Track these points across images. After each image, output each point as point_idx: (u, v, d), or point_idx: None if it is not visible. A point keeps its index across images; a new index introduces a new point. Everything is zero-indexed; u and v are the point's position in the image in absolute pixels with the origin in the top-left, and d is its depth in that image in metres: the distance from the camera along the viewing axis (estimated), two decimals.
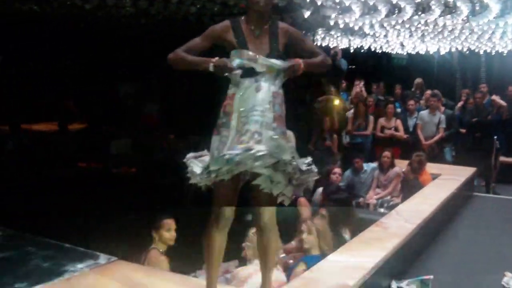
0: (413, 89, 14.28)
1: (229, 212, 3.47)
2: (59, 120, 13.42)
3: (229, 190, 3.41)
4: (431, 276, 5.14)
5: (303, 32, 11.55)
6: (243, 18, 3.53)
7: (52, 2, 9.36)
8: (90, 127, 13.52)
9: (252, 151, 3.20)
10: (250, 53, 3.37)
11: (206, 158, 3.41)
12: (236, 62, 3.36)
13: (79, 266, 4.44)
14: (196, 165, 3.39)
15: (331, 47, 16.11)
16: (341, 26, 11.79)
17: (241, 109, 3.33)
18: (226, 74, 3.35)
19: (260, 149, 3.21)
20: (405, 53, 19.39)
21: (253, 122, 3.29)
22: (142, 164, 11.70)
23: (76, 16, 10.86)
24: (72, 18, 11.26)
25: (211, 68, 3.33)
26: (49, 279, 4.15)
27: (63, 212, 8.49)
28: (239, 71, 3.35)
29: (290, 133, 8.41)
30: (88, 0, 9.07)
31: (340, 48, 15.30)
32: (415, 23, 11.89)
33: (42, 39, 13.01)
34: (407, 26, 12.48)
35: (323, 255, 5.30)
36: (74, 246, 4.92)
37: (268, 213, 3.51)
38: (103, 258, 4.64)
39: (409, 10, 10.52)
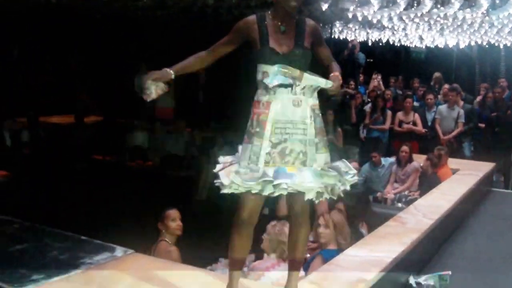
0: (431, 83, 14.18)
1: (254, 214, 3.45)
2: (75, 112, 13.44)
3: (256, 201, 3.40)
4: (449, 272, 5.08)
5: (321, 25, 11.52)
6: (269, 12, 3.46)
7: None
8: (106, 120, 13.55)
9: (307, 185, 3.24)
10: (297, 71, 3.27)
11: (235, 168, 3.34)
12: (277, 79, 3.28)
13: (96, 258, 4.42)
14: (228, 177, 3.30)
15: (349, 40, 16.06)
16: (360, 19, 11.74)
17: (277, 121, 3.29)
18: None
19: (310, 182, 3.24)
20: (424, 47, 19.29)
21: (297, 142, 3.29)
22: (157, 157, 11.73)
23: (92, 8, 10.89)
24: (89, 10, 11.30)
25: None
26: (65, 271, 4.13)
27: (79, 205, 8.55)
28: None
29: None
30: None
31: (358, 41, 15.22)
32: (434, 16, 11.82)
33: (58, 32, 13.07)
34: (426, 19, 12.42)
35: (340, 249, 5.27)
36: (90, 238, 4.90)
37: (301, 206, 3.45)
38: (119, 250, 4.62)
39: (428, 3, 10.46)
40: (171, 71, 3.43)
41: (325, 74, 3.44)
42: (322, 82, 3.31)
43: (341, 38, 16.74)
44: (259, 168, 3.23)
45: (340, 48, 15.29)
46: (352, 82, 12.85)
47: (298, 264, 3.68)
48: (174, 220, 5.64)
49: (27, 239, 4.91)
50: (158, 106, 13.76)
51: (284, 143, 3.27)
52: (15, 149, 11.36)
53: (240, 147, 3.42)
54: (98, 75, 14.46)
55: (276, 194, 3.22)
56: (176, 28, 11.25)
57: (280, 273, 4.76)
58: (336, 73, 3.39)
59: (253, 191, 3.23)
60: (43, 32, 13.03)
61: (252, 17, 3.44)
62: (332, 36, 14.22)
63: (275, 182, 3.17)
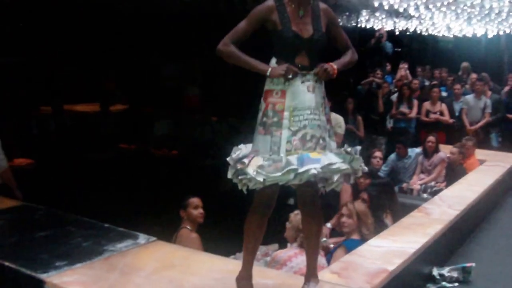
0: (459, 73, 14.07)
1: (271, 200, 3.44)
2: (101, 101, 13.53)
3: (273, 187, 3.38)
4: (473, 264, 5.08)
5: (347, 13, 11.46)
6: None
7: None
8: (132, 109, 13.62)
9: (335, 166, 3.24)
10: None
11: (258, 162, 3.29)
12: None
13: (119, 246, 4.47)
14: (253, 169, 3.26)
15: (376, 29, 15.96)
16: (386, 7, 11.67)
17: (294, 108, 3.28)
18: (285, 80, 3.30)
19: (342, 164, 3.27)
20: (451, 36, 19.11)
21: (316, 127, 3.28)
22: (183, 145, 11.75)
23: None
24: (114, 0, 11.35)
25: (268, 74, 3.30)
26: (88, 258, 4.18)
27: (104, 193, 8.62)
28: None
29: (340, 119, 8.32)
30: None
31: (385, 30, 15.11)
32: (461, 5, 11.71)
33: (84, 21, 13.12)
34: (452, 8, 12.29)
35: (363, 240, 5.25)
36: (113, 226, 4.95)
37: (311, 196, 3.44)
38: (142, 238, 4.67)
39: None
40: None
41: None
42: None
43: (368, 27, 16.68)
44: (281, 158, 3.21)
45: (366, 37, 15.24)
46: (379, 72, 12.76)
47: (314, 256, 3.67)
48: (196, 208, 5.70)
49: (51, 226, 4.99)
50: (185, 95, 13.80)
51: (303, 129, 3.26)
52: (41, 138, 11.47)
53: (255, 139, 3.38)
54: (124, 63, 14.51)
55: (304, 180, 3.20)
56: (203, 17, 11.26)
57: (302, 262, 4.74)
58: (331, 64, 3.40)
59: (281, 183, 3.23)
60: (69, 21, 13.10)
61: (270, 2, 3.40)
62: (359, 25, 14.11)
63: (301, 170, 3.15)
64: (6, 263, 4.06)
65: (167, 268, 4.10)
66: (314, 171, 3.15)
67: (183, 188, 6.16)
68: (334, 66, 3.40)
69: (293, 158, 3.20)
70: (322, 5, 3.52)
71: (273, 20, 3.37)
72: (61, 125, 11.91)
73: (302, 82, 3.31)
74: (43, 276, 3.84)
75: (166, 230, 5.65)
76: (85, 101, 14.15)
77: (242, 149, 3.41)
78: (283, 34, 3.34)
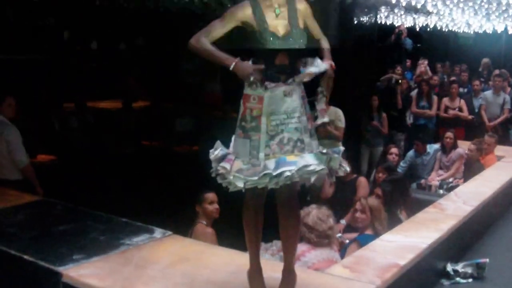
0: (480, 69, 14.01)
1: (261, 193, 3.44)
2: (123, 98, 13.62)
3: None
4: (487, 260, 5.06)
5: (365, 10, 11.46)
6: None
7: None
8: (153, 105, 13.72)
9: (311, 168, 3.23)
10: (324, 64, 3.40)
11: (237, 165, 3.33)
12: (313, 70, 3.37)
13: (135, 239, 4.57)
14: (233, 174, 3.30)
15: (396, 25, 15.93)
16: (403, 4, 11.64)
17: (271, 113, 3.30)
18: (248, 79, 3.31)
19: (317, 166, 3.25)
20: (472, 32, 18.98)
21: (293, 130, 3.30)
22: (204, 141, 11.82)
23: None
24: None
25: (231, 68, 3.28)
26: (105, 251, 4.29)
27: (126, 188, 8.73)
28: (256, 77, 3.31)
29: (339, 112, 8.36)
30: None
31: (405, 26, 15.07)
32: (478, 1, 11.63)
33: (107, 20, 13.28)
34: (470, 4, 12.22)
35: (376, 235, 5.27)
36: (131, 220, 5.05)
37: (290, 192, 3.41)
38: (158, 232, 4.77)
39: None
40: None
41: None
42: (322, 67, 3.42)
43: (387, 23, 16.65)
44: (260, 162, 3.25)
45: (386, 33, 15.22)
46: (398, 68, 12.74)
47: (291, 254, 3.62)
48: (211, 203, 5.75)
49: (70, 220, 5.11)
50: (206, 91, 13.88)
51: (281, 133, 3.28)
52: (63, 134, 11.60)
53: (234, 140, 3.41)
54: (145, 61, 14.65)
55: (281, 184, 3.22)
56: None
57: (315, 257, 4.81)
58: (329, 60, 3.47)
59: (259, 186, 3.25)
60: (92, 20, 13.27)
61: (245, 2, 3.39)
62: (378, 22, 14.10)
63: (275, 173, 3.18)
64: (26, 256, 4.17)
65: (182, 261, 4.17)
66: (288, 173, 3.17)
67: (202, 184, 6.23)
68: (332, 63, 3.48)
69: (270, 162, 3.23)
70: (300, 0, 3.51)
71: (249, 21, 3.36)
72: (83, 122, 12.02)
73: (279, 86, 3.31)
74: (60, 269, 3.95)
75: (183, 225, 5.72)
76: (108, 98, 14.31)
77: (222, 151, 3.43)
78: (261, 35, 3.32)
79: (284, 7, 3.41)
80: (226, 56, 3.34)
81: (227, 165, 3.30)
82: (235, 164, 3.30)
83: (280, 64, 3.34)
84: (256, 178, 3.22)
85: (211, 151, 3.46)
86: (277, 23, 3.36)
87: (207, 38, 3.38)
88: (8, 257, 4.29)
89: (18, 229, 4.92)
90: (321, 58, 3.53)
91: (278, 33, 3.34)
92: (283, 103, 3.31)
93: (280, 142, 3.28)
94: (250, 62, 3.33)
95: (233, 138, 3.44)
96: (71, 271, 3.93)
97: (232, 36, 3.45)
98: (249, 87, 3.35)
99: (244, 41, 3.40)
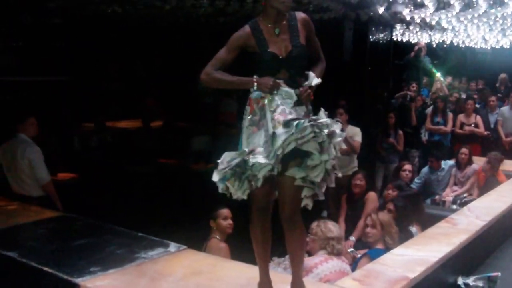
0: (497, 84, 14.01)
1: (266, 203, 3.54)
2: (142, 117, 13.82)
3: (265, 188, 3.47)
4: (499, 274, 5.07)
5: (381, 28, 11.55)
6: (260, 17, 3.55)
7: (134, 4, 9.73)
8: (171, 125, 13.87)
9: (322, 120, 3.31)
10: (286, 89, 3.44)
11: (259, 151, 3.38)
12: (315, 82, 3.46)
13: (150, 253, 4.67)
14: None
15: (412, 42, 16.00)
16: (418, 21, 11.72)
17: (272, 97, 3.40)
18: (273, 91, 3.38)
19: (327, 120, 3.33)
20: (489, 48, 18.93)
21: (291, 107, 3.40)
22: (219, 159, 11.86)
23: (156, 16, 11.24)
24: (153, 19, 11.67)
25: (255, 87, 3.40)
26: (121, 264, 4.39)
27: (143, 205, 8.86)
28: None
29: (357, 130, 8.58)
30: (167, 1, 9.37)
31: (424, 44, 15.12)
32: (492, 17, 11.65)
33: (125, 40, 13.50)
34: (484, 20, 12.24)
35: (387, 249, 5.32)
36: (146, 235, 5.15)
37: (292, 207, 3.47)
38: (173, 246, 4.86)
39: (482, 4, 10.36)
40: None
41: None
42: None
43: (404, 40, 16.70)
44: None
45: (402, 50, 15.30)
46: (414, 85, 12.80)
47: (298, 268, 3.68)
48: (225, 218, 5.88)
49: (88, 235, 5.22)
50: (222, 110, 14.02)
51: (281, 106, 3.37)
52: (84, 153, 11.80)
53: (252, 137, 3.44)
54: (164, 81, 14.84)
55: (306, 136, 3.24)
56: None
57: (328, 269, 4.93)
58: (305, 87, 3.46)
59: (278, 152, 3.28)
60: (111, 40, 13.50)
61: (246, 27, 3.50)
62: (394, 39, 14.17)
63: (294, 127, 3.24)
64: (46, 268, 4.29)
65: (195, 274, 4.26)
66: (305, 123, 3.24)
67: (217, 200, 6.33)
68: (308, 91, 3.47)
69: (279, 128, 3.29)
70: (300, 15, 3.58)
71: (251, 45, 3.46)
72: (102, 141, 12.20)
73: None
74: (78, 280, 4.06)
75: (198, 240, 5.83)
76: (127, 118, 14.55)
77: (231, 155, 3.44)
78: (261, 57, 3.44)
79: (285, 25, 3.49)
80: (243, 78, 3.45)
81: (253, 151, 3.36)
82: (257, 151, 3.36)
83: (282, 80, 3.43)
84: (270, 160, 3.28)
85: (223, 161, 3.45)
86: (277, 42, 3.46)
87: (214, 69, 3.48)
88: (30, 269, 4.40)
89: (39, 242, 5.08)
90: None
91: (278, 52, 3.44)
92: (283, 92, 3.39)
93: (282, 111, 3.33)
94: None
95: (248, 141, 3.47)
96: (88, 283, 4.03)
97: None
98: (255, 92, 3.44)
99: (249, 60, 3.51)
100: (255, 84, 3.38)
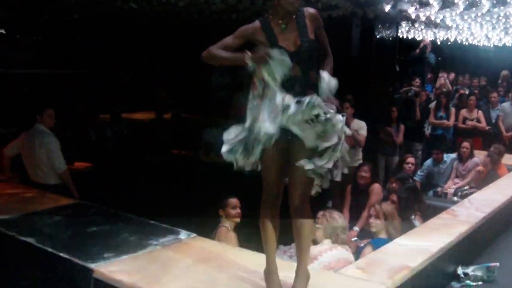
0: (499, 81, 14.11)
1: (277, 190, 3.62)
2: (156, 109, 13.96)
3: (275, 164, 3.57)
4: (497, 264, 5.15)
5: (386, 25, 11.67)
6: (269, 14, 3.61)
7: (150, 1, 9.85)
8: (183, 116, 14.00)
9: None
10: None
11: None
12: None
13: (162, 240, 4.80)
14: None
15: (417, 39, 16.09)
16: (423, 19, 11.81)
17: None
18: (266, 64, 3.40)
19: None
20: (491, 45, 19.00)
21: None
22: None
23: (170, 13, 11.35)
24: (167, 15, 11.78)
25: (247, 60, 3.42)
26: (134, 251, 4.53)
27: (155, 194, 8.96)
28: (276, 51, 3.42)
29: (362, 123, 8.71)
30: None
31: (429, 41, 15.22)
32: (495, 16, 11.75)
33: (140, 35, 13.64)
34: (487, 18, 12.32)
35: (390, 239, 5.43)
36: (158, 223, 5.30)
37: (301, 197, 3.54)
38: (183, 234, 4.99)
39: (486, 3, 10.45)
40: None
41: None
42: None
43: (409, 37, 16.77)
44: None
45: (407, 47, 15.41)
46: (417, 80, 12.90)
47: (305, 255, 3.72)
48: (234, 207, 5.96)
49: (102, 222, 5.36)
50: (234, 104, 14.13)
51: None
52: (99, 143, 11.93)
53: (261, 108, 3.45)
54: (177, 75, 14.98)
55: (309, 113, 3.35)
56: None
57: (332, 257, 5.02)
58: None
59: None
60: (126, 36, 13.64)
61: (257, 22, 3.58)
62: (399, 36, 14.28)
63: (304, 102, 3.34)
64: (61, 254, 4.44)
65: (204, 261, 4.36)
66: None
67: (226, 190, 6.44)
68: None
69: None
70: (309, 11, 3.64)
71: (260, 40, 3.55)
72: (117, 132, 12.36)
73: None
74: (92, 266, 4.21)
75: (207, 228, 5.93)
76: (141, 110, 14.71)
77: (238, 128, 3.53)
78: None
79: (293, 21, 3.57)
80: (236, 53, 3.52)
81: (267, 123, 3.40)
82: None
83: (294, 76, 3.47)
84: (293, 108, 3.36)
85: (230, 132, 3.55)
86: (286, 37, 3.54)
87: (216, 47, 3.57)
88: (46, 254, 4.55)
89: (55, 229, 5.19)
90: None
91: (287, 47, 3.51)
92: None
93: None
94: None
95: (255, 114, 3.48)
96: (101, 268, 4.18)
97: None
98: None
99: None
100: (247, 57, 3.42)
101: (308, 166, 3.42)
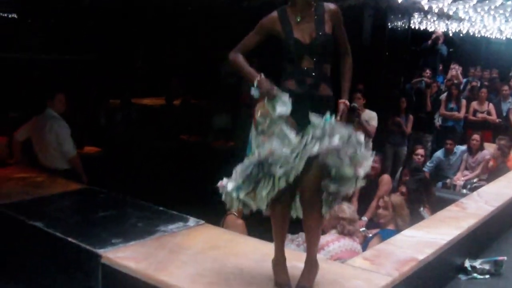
0: (511, 74, 14.05)
1: (291, 189, 3.59)
2: (166, 95, 13.98)
3: None
4: (505, 258, 5.14)
5: (399, 16, 11.63)
6: (288, 5, 3.63)
7: None
8: (193, 103, 14.01)
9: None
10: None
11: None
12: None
13: (170, 227, 4.80)
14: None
15: (429, 30, 16.04)
16: (436, 10, 11.75)
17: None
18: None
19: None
20: (504, 38, 18.91)
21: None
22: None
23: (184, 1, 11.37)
24: (180, 2, 11.77)
25: (255, 84, 3.48)
26: (142, 237, 4.52)
27: (163, 179, 9.00)
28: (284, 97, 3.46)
29: (373, 114, 8.68)
30: None
31: (441, 32, 15.17)
32: (508, 9, 11.69)
33: (151, 21, 13.64)
34: (501, 11, 12.26)
35: (398, 230, 5.43)
36: (167, 209, 5.31)
37: (312, 190, 3.54)
38: (192, 221, 4.99)
39: None
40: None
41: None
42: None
43: (421, 28, 16.71)
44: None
45: (419, 38, 15.35)
46: (428, 71, 12.87)
47: (314, 246, 3.73)
48: None
49: (111, 207, 5.39)
50: (244, 91, 14.15)
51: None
52: (109, 128, 12.02)
53: (267, 144, 3.45)
54: (188, 61, 14.99)
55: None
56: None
57: (339, 247, 5.03)
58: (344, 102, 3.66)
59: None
60: (138, 21, 13.64)
61: (274, 13, 3.61)
62: (412, 27, 14.24)
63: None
64: (69, 239, 4.45)
65: (212, 248, 4.35)
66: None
67: None
68: (347, 103, 3.64)
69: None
70: (329, 6, 3.64)
71: (278, 30, 3.58)
72: (127, 117, 12.38)
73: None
74: (100, 251, 4.20)
75: (216, 215, 5.81)
76: (151, 96, 14.72)
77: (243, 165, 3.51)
78: (286, 42, 3.53)
79: (312, 13, 3.57)
80: (251, 70, 3.56)
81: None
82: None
83: (306, 67, 3.51)
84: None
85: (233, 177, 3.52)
86: (302, 29, 3.55)
87: (240, 51, 3.64)
88: (54, 239, 4.56)
89: (64, 214, 5.24)
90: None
91: (303, 39, 3.52)
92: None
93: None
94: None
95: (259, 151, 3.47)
96: (109, 254, 4.18)
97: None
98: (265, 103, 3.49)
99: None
100: (256, 80, 3.47)
101: (332, 189, 3.49)
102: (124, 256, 4.17)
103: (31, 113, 7.35)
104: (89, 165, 7.52)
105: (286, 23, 3.57)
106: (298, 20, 3.56)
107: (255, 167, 3.42)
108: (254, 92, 3.51)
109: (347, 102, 3.68)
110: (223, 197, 3.56)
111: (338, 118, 3.57)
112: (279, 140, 3.42)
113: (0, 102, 10.02)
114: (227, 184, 3.50)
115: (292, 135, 3.42)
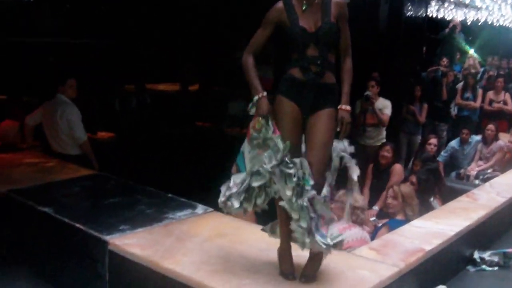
0: None
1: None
2: (181, 81, 14.00)
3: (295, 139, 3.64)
4: None
5: (416, 2, 11.54)
6: None
7: None
8: (208, 89, 14.01)
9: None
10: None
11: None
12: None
13: (178, 214, 4.82)
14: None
15: (447, 19, 15.92)
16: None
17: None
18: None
19: None
20: None
21: None
22: None
23: None
24: None
25: (254, 100, 3.59)
26: (149, 224, 4.54)
27: (176, 165, 9.00)
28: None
29: (387, 102, 8.65)
30: None
31: (459, 21, 15.06)
32: None
33: (166, 7, 13.64)
34: None
35: (407, 221, 5.41)
36: (176, 196, 5.32)
37: (316, 174, 3.55)
38: (200, 208, 5.01)
39: None
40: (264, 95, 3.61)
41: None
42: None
43: (439, 17, 16.58)
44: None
45: (436, 26, 15.23)
46: (444, 59, 12.78)
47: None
48: None
49: (120, 194, 5.42)
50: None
51: None
52: (123, 114, 12.00)
53: (262, 158, 3.56)
54: (203, 47, 14.98)
55: None
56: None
57: (350, 236, 4.97)
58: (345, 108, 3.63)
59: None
60: (153, 7, 13.65)
61: (279, 3, 3.60)
62: (429, 15, 14.12)
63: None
64: (77, 225, 4.49)
65: (219, 236, 4.36)
66: None
67: None
68: (347, 108, 3.63)
69: None
70: None
71: (284, 20, 3.56)
72: (142, 103, 12.40)
73: None
74: (107, 238, 4.24)
75: None
76: (166, 81, 14.72)
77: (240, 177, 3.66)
78: (291, 31, 3.53)
79: (318, 3, 3.57)
80: (257, 84, 3.63)
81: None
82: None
83: (311, 55, 3.52)
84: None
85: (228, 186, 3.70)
86: (308, 18, 3.55)
87: (252, 51, 3.67)
88: (62, 225, 4.60)
89: (73, 199, 5.27)
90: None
91: (308, 28, 3.52)
92: None
93: None
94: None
95: (247, 164, 3.62)
96: (116, 240, 4.21)
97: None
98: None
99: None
100: (256, 98, 3.58)
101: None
102: (131, 243, 4.19)
103: (43, 98, 7.38)
104: (102, 150, 7.55)
105: (292, 12, 3.57)
106: (304, 8, 3.57)
107: (249, 178, 3.58)
108: (251, 107, 3.61)
109: (348, 108, 3.65)
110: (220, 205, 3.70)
111: (341, 135, 3.65)
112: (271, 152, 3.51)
113: (14, 86, 10.02)
114: (225, 192, 3.67)
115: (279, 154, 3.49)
